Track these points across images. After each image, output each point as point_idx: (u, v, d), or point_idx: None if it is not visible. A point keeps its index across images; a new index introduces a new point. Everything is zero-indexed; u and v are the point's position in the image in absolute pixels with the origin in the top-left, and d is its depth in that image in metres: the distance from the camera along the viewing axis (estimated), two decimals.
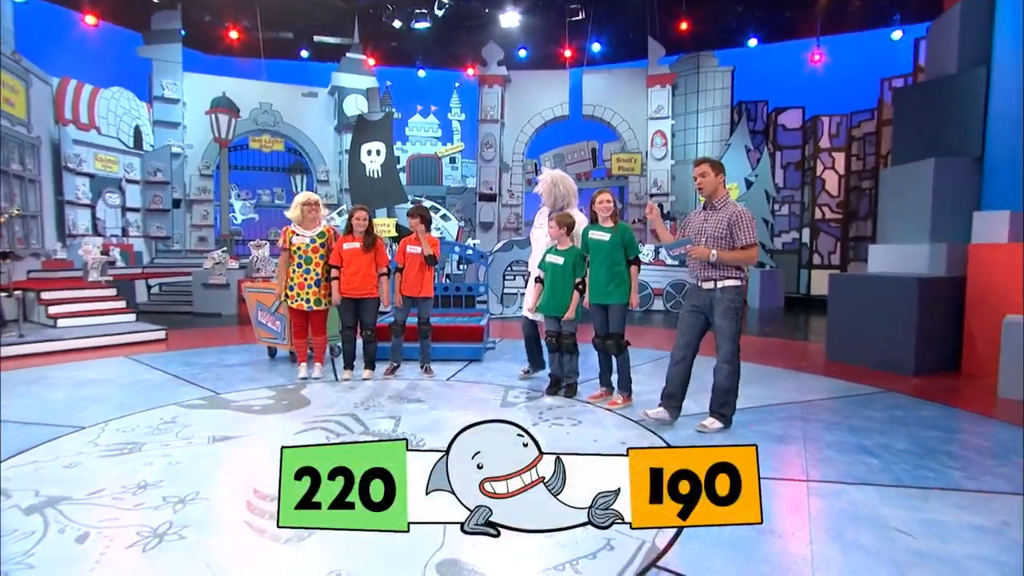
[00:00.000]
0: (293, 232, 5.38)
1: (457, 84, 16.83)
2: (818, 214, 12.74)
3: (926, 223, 6.35)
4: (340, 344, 5.60)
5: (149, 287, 11.11)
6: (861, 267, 11.54)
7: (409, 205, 13.54)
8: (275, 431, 3.81)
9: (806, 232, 13.08)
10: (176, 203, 12.97)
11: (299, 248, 5.32)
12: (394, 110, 14.14)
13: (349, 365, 5.53)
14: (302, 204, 5.36)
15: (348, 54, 14.23)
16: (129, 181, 12.40)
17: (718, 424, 3.83)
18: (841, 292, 6.32)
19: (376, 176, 12.60)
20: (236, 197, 14.40)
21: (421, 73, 16.99)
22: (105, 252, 11.69)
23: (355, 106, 13.93)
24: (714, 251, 3.69)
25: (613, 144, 15.56)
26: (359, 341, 5.53)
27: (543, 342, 5.03)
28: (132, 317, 8.12)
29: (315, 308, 5.33)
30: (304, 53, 15.87)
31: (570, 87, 15.53)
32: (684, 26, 14.17)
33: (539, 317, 5.06)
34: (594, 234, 4.56)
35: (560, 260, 4.69)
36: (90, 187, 11.68)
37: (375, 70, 15.56)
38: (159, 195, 12.67)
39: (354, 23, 14.20)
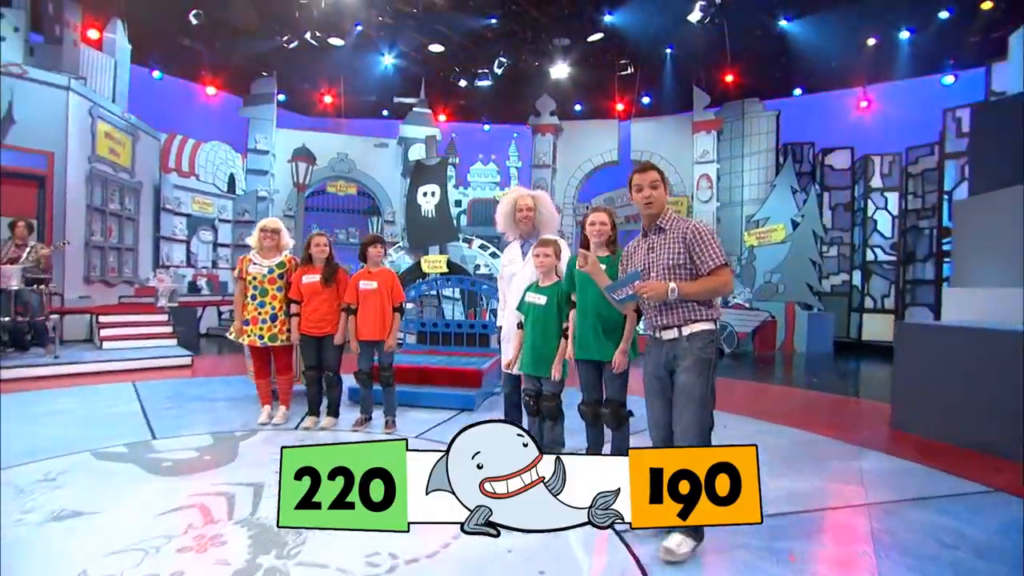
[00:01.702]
0: (250, 261, 4.22)
1: (516, 135, 15.88)
2: (870, 256, 10.44)
3: (1019, 261, 4.36)
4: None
5: (220, 313, 10.50)
6: (921, 313, 9.16)
7: (462, 243, 12.49)
8: (142, 507, 2.55)
9: (857, 274, 10.78)
10: None
11: (254, 278, 4.14)
12: (449, 157, 13.20)
13: (313, 411, 4.26)
14: (259, 230, 4.21)
15: (415, 109, 13.51)
16: (221, 220, 12.06)
17: (689, 544, 2.11)
18: (912, 346, 4.36)
19: (430, 216, 11.61)
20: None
21: (486, 127, 16.23)
22: (193, 281, 11.30)
23: (418, 154, 13.11)
24: (672, 283, 2.19)
25: None
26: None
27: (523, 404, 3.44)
28: (173, 342, 7.29)
29: (269, 344, 4.11)
30: (384, 112, 15.48)
31: (619, 134, 14.07)
32: (730, 78, 12.47)
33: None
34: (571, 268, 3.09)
35: (542, 300, 3.22)
36: (187, 225, 11.37)
37: (445, 125, 14.86)
38: (244, 232, 12.22)
39: (421, 84, 13.50)
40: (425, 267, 9.02)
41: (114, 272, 9.31)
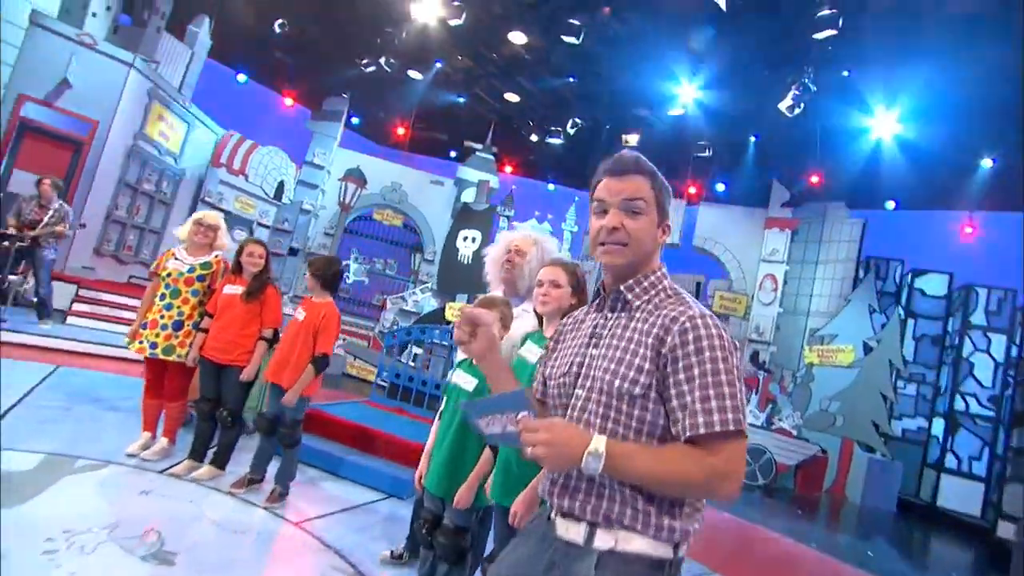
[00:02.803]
0: (172, 255, 3.46)
1: (577, 199, 15.22)
2: (959, 404, 8.60)
3: None
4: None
5: None
6: None
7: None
8: None
9: (939, 423, 8.89)
10: (292, 251, 12.21)
11: (169, 274, 3.36)
12: (500, 207, 12.57)
13: (195, 454, 3.34)
14: (194, 221, 3.46)
15: (477, 153, 13.15)
16: (260, 224, 11.87)
17: None
18: None
19: (466, 261, 10.92)
20: (354, 260, 13.50)
21: (551, 187, 15.81)
22: None
23: (469, 197, 12.61)
24: (600, 439, 1.00)
25: (719, 281, 12.58)
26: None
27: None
28: None
29: (163, 357, 3.27)
30: (452, 153, 15.34)
31: (685, 218, 13.03)
32: (815, 179, 11.32)
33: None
34: (526, 350, 2.06)
35: (470, 384, 2.20)
36: (223, 221, 11.15)
37: (510, 177, 14.49)
38: (280, 241, 11.96)
39: (489, 129, 13.20)
40: (448, 314, 8.14)
41: (130, 250, 9.06)
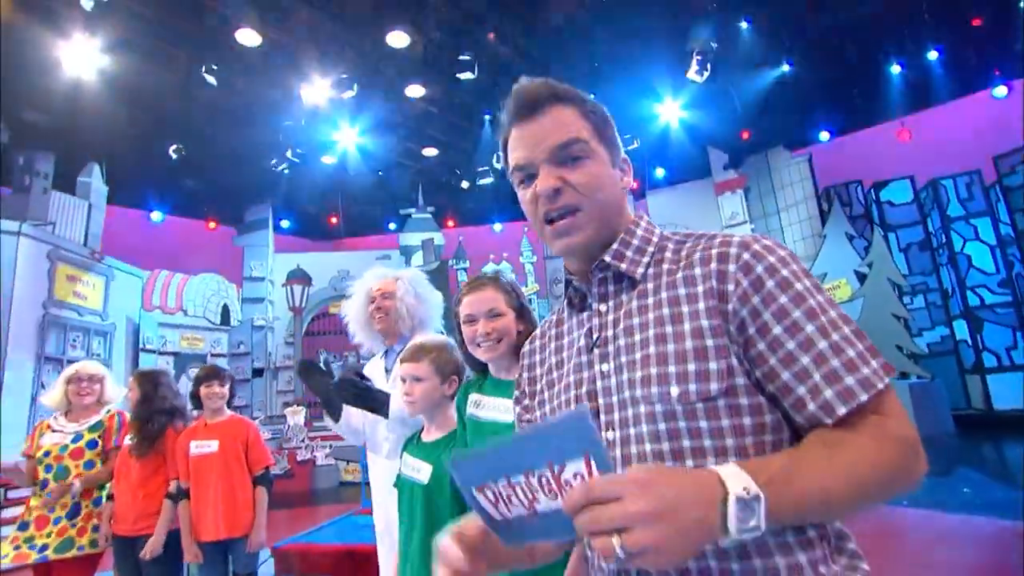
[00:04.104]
0: (47, 427, 2.74)
1: (526, 229, 14.96)
2: (973, 300, 8.14)
3: None
4: None
5: None
6: None
7: None
8: None
9: (961, 325, 8.39)
10: (257, 372, 11.36)
11: (47, 453, 2.64)
12: (451, 261, 12.12)
13: None
14: (65, 380, 2.78)
15: (413, 215, 12.77)
16: (215, 355, 11.03)
17: None
18: None
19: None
20: (323, 362, 12.74)
21: (497, 227, 15.46)
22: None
23: (416, 262, 12.12)
24: (732, 469, 0.52)
25: None
26: None
27: None
28: None
29: (54, 557, 2.51)
30: (391, 225, 14.96)
31: (636, 211, 12.76)
32: (745, 135, 11.27)
33: None
34: (479, 407, 1.47)
35: (424, 472, 1.53)
36: (174, 364, 10.35)
37: (454, 231, 14.13)
38: (241, 366, 11.12)
39: (418, 191, 12.91)
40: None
41: None
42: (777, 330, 0.64)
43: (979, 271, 8.09)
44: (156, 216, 11.59)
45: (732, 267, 0.68)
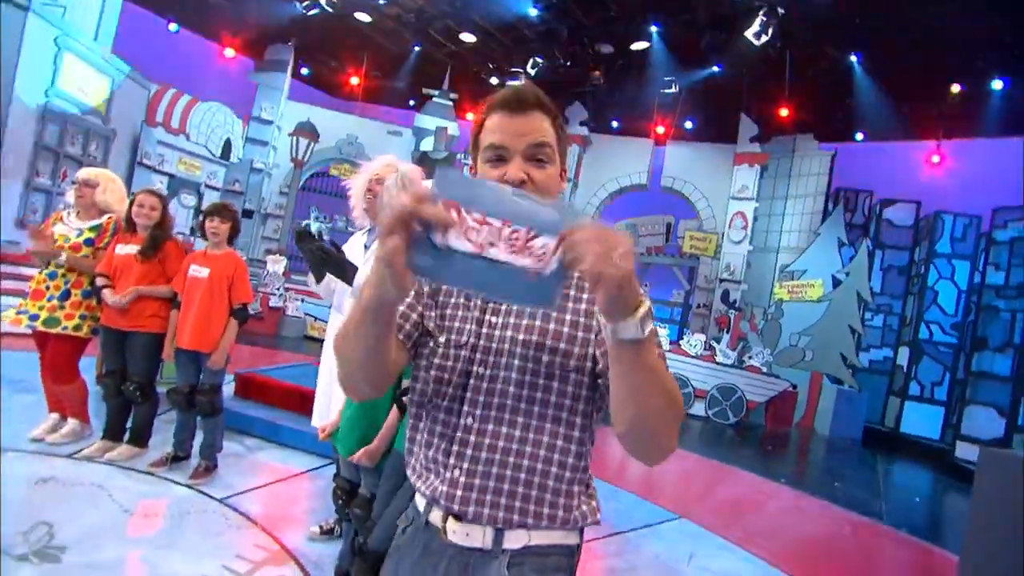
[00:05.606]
0: (60, 218, 3.02)
1: None
2: (923, 333, 8.61)
3: None
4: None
5: None
6: (984, 414, 7.27)
7: None
8: None
9: (904, 352, 8.94)
10: (247, 213, 11.47)
11: (55, 240, 2.93)
12: (461, 154, 11.95)
13: (110, 432, 3.01)
14: (72, 182, 3.06)
15: (434, 99, 12.37)
16: (209, 187, 11.09)
17: None
18: (1000, 487, 2.77)
19: None
20: (314, 219, 12.86)
21: None
22: None
23: (427, 146, 11.95)
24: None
25: (690, 221, 12.30)
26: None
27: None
28: None
29: (44, 329, 2.87)
30: (410, 102, 14.49)
31: (652, 158, 12.60)
32: (784, 112, 10.91)
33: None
34: None
35: None
36: (167, 185, 10.37)
37: (472, 125, 13.75)
38: (232, 203, 11.22)
39: (446, 74, 12.39)
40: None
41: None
42: None
43: (940, 309, 8.48)
44: (172, 26, 11.01)
45: None
